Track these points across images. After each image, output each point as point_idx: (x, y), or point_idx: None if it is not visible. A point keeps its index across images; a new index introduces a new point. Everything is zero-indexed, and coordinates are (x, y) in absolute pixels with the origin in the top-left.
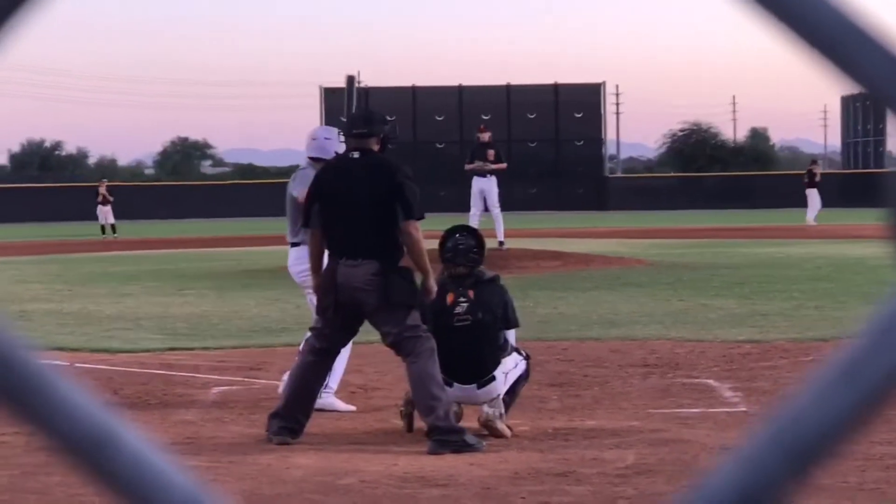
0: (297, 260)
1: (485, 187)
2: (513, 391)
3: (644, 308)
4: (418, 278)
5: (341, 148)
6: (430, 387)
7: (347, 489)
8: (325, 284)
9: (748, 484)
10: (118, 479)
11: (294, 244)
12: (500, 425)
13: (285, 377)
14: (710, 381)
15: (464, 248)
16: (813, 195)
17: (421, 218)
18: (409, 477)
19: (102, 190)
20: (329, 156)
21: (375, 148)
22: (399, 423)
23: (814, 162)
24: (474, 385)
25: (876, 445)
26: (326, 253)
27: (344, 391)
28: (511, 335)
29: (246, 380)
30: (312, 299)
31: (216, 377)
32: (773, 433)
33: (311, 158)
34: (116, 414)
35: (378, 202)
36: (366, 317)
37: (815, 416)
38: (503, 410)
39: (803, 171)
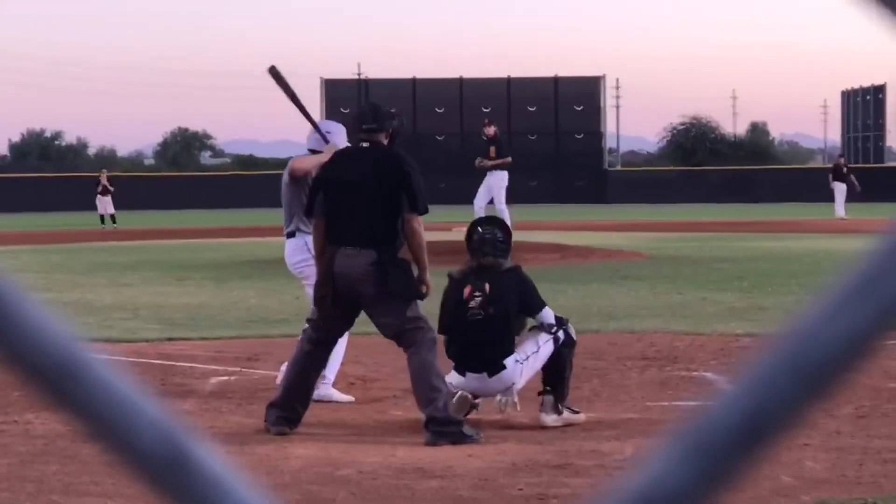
0: (294, 251)
1: (490, 183)
2: (557, 368)
3: (643, 301)
4: (416, 272)
5: (343, 143)
6: (430, 378)
7: (345, 480)
8: (323, 274)
9: (756, 407)
10: (87, 406)
11: (290, 234)
12: (548, 421)
13: (283, 368)
14: (709, 375)
15: (490, 238)
16: (840, 188)
17: (425, 212)
18: (408, 468)
19: (103, 180)
20: (322, 149)
21: (384, 143)
22: (398, 413)
23: (841, 156)
24: (486, 374)
25: (874, 439)
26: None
27: (342, 382)
28: (546, 315)
29: (244, 370)
30: (311, 290)
31: (214, 367)
32: (782, 353)
33: (311, 151)
34: (80, 338)
35: (382, 192)
36: (363, 308)
37: (825, 335)
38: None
39: (805, 166)
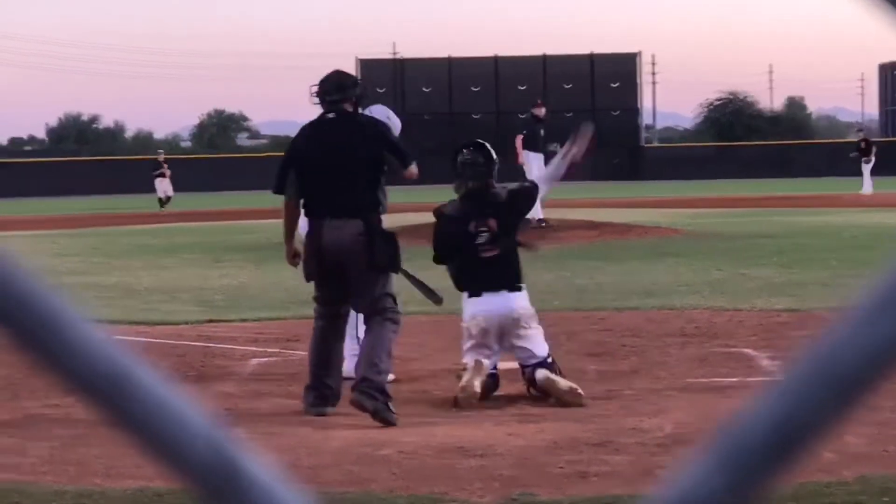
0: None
1: (541, 165)
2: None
3: (681, 277)
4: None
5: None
6: (382, 352)
7: (386, 460)
8: (309, 249)
9: (786, 417)
10: (135, 415)
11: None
12: (563, 383)
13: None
14: (748, 351)
15: (470, 161)
16: (866, 167)
17: (413, 163)
18: (448, 447)
19: (162, 160)
20: None
21: (349, 111)
22: (437, 392)
23: (859, 130)
24: (505, 290)
25: (886, 412)
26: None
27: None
28: (541, 188)
29: (283, 351)
30: None
31: (254, 349)
32: (813, 364)
33: None
34: (131, 353)
35: (362, 160)
36: (347, 279)
37: (855, 346)
38: (560, 368)
39: (842, 140)
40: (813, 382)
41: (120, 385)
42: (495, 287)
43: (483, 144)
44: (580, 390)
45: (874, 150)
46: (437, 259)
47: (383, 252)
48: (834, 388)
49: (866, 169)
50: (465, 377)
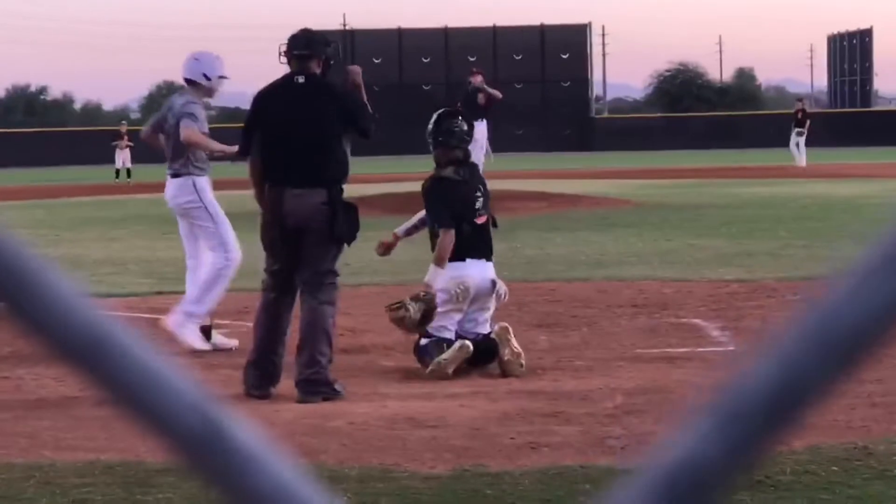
0: (182, 190)
1: (477, 136)
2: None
3: (631, 248)
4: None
5: (208, 70)
6: (322, 344)
7: (337, 431)
8: (270, 216)
9: (783, 382)
10: (119, 380)
11: (175, 174)
12: (515, 344)
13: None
14: (698, 321)
15: (459, 130)
16: (801, 140)
17: (371, 135)
18: (399, 418)
19: (123, 132)
20: (193, 76)
21: (317, 71)
22: (388, 364)
23: (799, 100)
24: (484, 259)
25: (865, 384)
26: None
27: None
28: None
29: (233, 323)
30: (203, 229)
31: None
32: (810, 326)
33: (188, 80)
34: (111, 319)
35: (326, 128)
36: (301, 249)
37: (854, 307)
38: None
39: (790, 112)
40: (810, 345)
41: (100, 346)
42: (478, 255)
43: (460, 113)
44: (523, 361)
45: (808, 122)
46: (445, 225)
47: (344, 224)
48: (832, 350)
49: (801, 140)
50: (447, 355)
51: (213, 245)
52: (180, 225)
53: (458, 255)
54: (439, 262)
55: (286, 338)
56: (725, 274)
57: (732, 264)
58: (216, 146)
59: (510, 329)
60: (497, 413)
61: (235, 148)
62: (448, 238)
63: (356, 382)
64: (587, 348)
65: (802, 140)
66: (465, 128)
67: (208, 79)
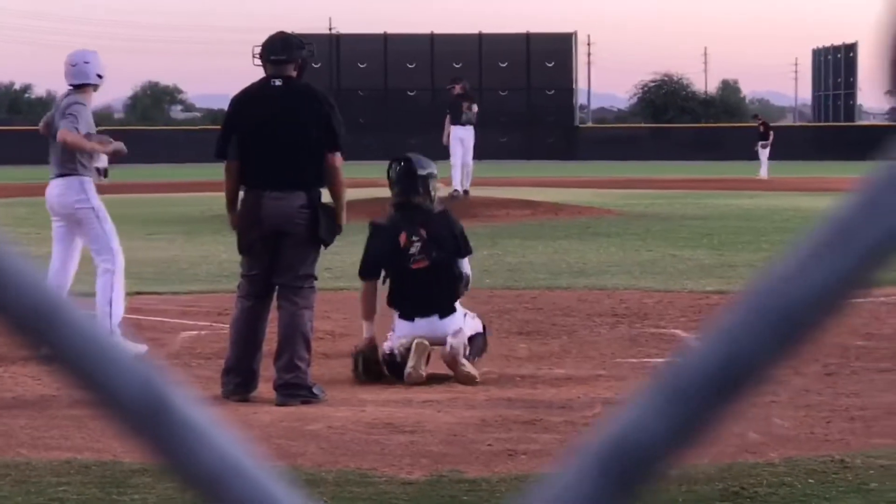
0: (69, 189)
1: (464, 136)
2: (477, 348)
3: (613, 258)
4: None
5: (100, 69)
6: (300, 348)
7: (315, 434)
8: (248, 220)
9: (727, 360)
10: (67, 352)
11: (61, 175)
12: (467, 365)
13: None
14: (678, 332)
15: (423, 175)
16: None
17: (344, 150)
18: (377, 423)
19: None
20: (90, 80)
21: (294, 74)
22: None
23: (755, 116)
24: (436, 315)
25: (842, 397)
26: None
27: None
28: (465, 264)
29: (214, 325)
30: (94, 228)
31: (184, 322)
32: (756, 305)
33: (74, 86)
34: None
35: (305, 132)
36: (278, 253)
37: (801, 283)
38: (467, 343)
39: (775, 124)
40: (757, 321)
41: (46, 315)
42: (426, 311)
43: (421, 158)
44: (476, 377)
45: (772, 134)
46: (360, 275)
47: (324, 226)
48: (779, 326)
49: (764, 153)
50: (411, 362)
51: (99, 248)
52: (56, 228)
53: (405, 312)
54: (362, 315)
55: (262, 346)
56: (706, 285)
57: (714, 275)
58: (89, 146)
59: (457, 358)
60: (475, 420)
61: (113, 146)
62: (364, 289)
63: (335, 387)
64: (567, 357)
65: (766, 153)
66: (433, 172)
67: (101, 77)
